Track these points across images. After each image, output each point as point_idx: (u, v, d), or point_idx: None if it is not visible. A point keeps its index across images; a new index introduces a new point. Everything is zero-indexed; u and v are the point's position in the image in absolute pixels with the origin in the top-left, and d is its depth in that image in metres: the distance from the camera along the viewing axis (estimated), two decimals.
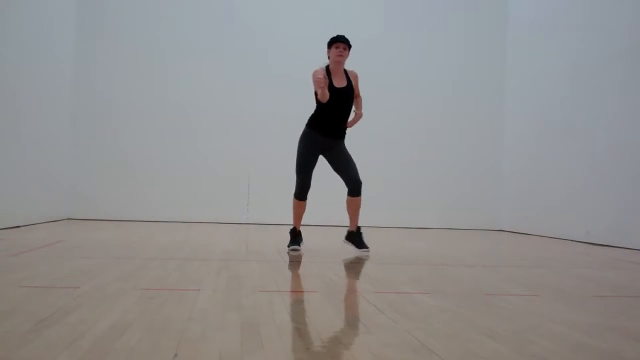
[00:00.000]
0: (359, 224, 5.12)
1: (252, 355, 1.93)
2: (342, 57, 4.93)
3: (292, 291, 3.23)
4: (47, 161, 7.69)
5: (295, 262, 4.47)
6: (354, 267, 4.45)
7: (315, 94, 4.92)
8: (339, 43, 4.92)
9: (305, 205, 5.15)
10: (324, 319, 2.52)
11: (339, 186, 8.43)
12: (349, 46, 4.96)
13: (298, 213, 5.16)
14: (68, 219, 8.38)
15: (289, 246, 5.12)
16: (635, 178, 6.33)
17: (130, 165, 8.63)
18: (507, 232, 8.68)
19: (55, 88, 7.96)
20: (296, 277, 3.74)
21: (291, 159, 8.78)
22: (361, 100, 5.15)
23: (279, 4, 8.98)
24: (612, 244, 6.49)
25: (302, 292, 3.24)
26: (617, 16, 6.80)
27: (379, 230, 7.72)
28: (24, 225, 6.81)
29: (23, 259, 4.20)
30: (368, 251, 5.01)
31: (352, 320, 2.53)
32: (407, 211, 8.88)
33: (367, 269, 4.41)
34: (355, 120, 5.10)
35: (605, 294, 3.54)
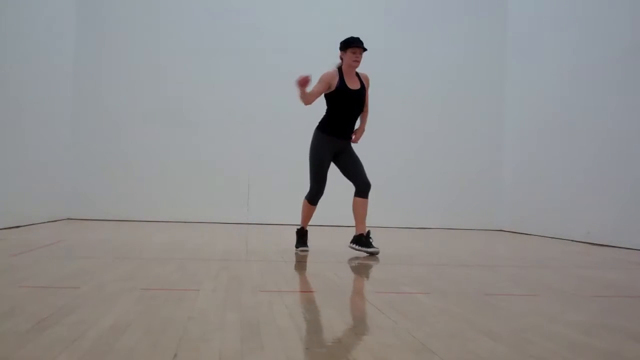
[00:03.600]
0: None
1: (252, 355, 1.93)
2: (358, 62, 4.92)
3: (292, 291, 3.23)
4: (47, 161, 7.69)
5: (295, 262, 4.47)
6: (354, 267, 4.45)
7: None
8: (357, 48, 4.88)
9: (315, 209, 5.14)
10: (324, 319, 2.52)
11: (340, 187, 8.40)
12: (365, 50, 4.93)
13: (308, 215, 5.11)
14: (68, 219, 8.38)
15: (298, 247, 5.08)
16: (636, 178, 6.32)
17: (130, 165, 8.63)
18: (507, 232, 8.68)
19: (55, 88, 7.96)
20: (296, 277, 3.74)
21: (291, 158, 8.85)
22: (367, 113, 5.13)
23: (279, 3, 8.98)
24: (612, 244, 6.49)
25: (302, 292, 3.24)
26: (617, 16, 6.79)
27: (379, 230, 7.70)
28: (24, 225, 6.81)
29: (23, 259, 4.20)
30: (377, 251, 4.91)
31: (352, 320, 2.53)
32: (407, 211, 8.88)
33: (367, 269, 4.41)
34: (360, 134, 5.07)
35: (605, 294, 3.54)
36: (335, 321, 2.48)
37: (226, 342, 2.08)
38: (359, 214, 4.97)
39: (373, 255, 4.84)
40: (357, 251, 4.92)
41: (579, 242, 6.98)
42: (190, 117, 8.72)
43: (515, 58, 8.89)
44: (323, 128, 4.97)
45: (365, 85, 5.01)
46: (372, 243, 4.93)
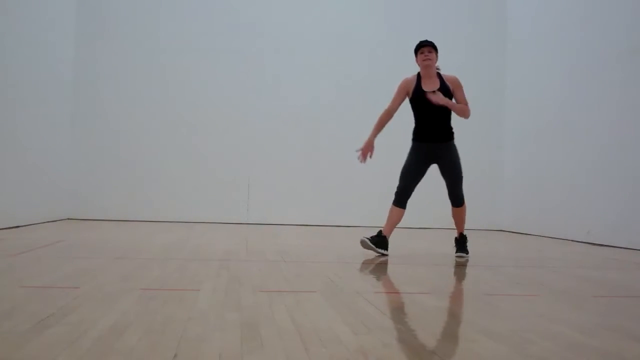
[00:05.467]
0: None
1: (252, 355, 1.93)
2: (430, 60, 4.93)
3: (292, 291, 3.23)
4: (47, 161, 7.69)
5: (295, 262, 4.47)
6: (354, 267, 4.45)
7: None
8: (423, 48, 4.95)
9: (402, 214, 5.09)
10: (324, 319, 2.52)
11: (339, 187, 8.38)
12: (435, 49, 4.97)
13: (394, 221, 5.05)
14: (68, 219, 8.38)
15: (379, 248, 4.95)
16: (635, 178, 6.32)
17: (130, 165, 8.63)
18: (507, 232, 8.67)
19: (55, 89, 7.96)
20: (296, 277, 3.73)
21: (291, 159, 8.86)
22: (466, 109, 5.05)
23: (279, 4, 8.97)
24: (612, 244, 6.49)
25: (302, 292, 3.24)
26: (617, 16, 6.79)
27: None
28: (24, 225, 6.81)
29: (23, 259, 4.20)
30: (465, 256, 4.98)
31: (352, 320, 2.53)
32: (407, 211, 8.85)
33: (367, 269, 4.41)
34: (441, 100, 4.88)
35: (605, 294, 3.54)
36: (335, 321, 2.47)
37: (226, 342, 2.08)
38: (455, 219, 5.20)
39: (462, 259, 4.92)
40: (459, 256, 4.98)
41: (579, 242, 6.98)
42: (190, 117, 8.73)
43: (515, 59, 8.89)
44: (413, 136, 5.10)
45: (450, 87, 4.98)
46: (465, 248, 5.03)
